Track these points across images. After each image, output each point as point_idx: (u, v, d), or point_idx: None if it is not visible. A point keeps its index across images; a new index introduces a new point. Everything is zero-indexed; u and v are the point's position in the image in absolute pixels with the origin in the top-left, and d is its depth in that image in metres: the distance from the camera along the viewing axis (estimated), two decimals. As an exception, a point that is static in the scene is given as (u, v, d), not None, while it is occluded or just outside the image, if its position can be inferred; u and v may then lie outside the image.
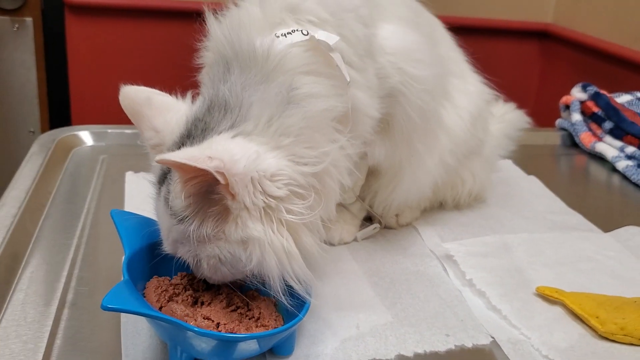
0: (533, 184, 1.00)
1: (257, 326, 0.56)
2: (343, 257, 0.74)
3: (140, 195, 0.84)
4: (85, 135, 1.01)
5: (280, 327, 0.54)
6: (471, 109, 0.79)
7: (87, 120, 1.58)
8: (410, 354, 0.59)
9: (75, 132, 1.00)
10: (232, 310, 0.58)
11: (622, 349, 0.61)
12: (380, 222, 0.79)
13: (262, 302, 0.59)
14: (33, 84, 1.74)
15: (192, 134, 0.55)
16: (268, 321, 0.57)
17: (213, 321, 0.55)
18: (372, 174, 0.75)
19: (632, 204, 0.99)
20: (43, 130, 1.75)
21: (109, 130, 1.02)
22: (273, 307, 0.60)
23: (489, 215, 0.87)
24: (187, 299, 0.59)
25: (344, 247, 0.76)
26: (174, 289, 0.59)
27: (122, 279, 0.55)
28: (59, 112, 1.79)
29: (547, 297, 0.68)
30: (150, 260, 0.61)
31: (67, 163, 0.93)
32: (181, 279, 0.61)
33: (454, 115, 0.77)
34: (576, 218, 0.89)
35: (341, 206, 0.78)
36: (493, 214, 0.88)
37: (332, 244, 0.76)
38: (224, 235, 0.52)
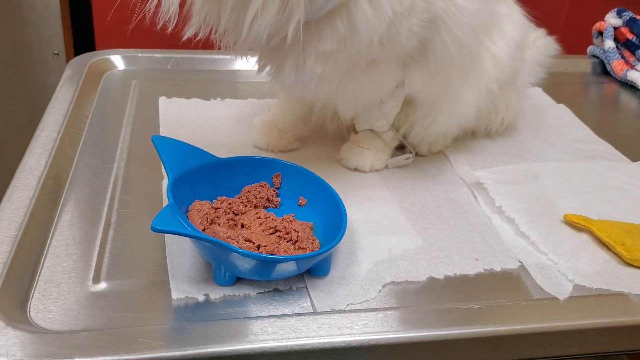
0: (562, 112, 1.00)
1: (295, 249, 0.59)
2: (375, 184, 0.76)
3: (174, 120, 0.86)
4: (117, 60, 1.01)
5: (317, 250, 0.57)
6: (516, 37, 0.79)
7: (110, 43, 1.57)
8: (440, 276, 0.61)
9: (107, 57, 1.01)
10: (271, 234, 0.61)
11: (644, 275, 0.63)
12: (412, 153, 0.80)
13: (299, 226, 0.61)
14: (56, 5, 1.73)
15: None
16: (305, 244, 0.59)
17: (254, 243, 0.58)
18: (409, 104, 0.76)
19: (662, 133, 0.99)
20: (67, 53, 1.75)
21: (140, 55, 1.03)
22: (310, 231, 0.62)
23: (518, 144, 0.88)
24: (228, 222, 0.62)
25: (375, 174, 0.78)
26: (215, 212, 0.62)
27: (167, 202, 0.57)
28: (82, 34, 1.78)
29: (574, 224, 0.69)
30: (192, 185, 0.63)
31: (99, 87, 0.94)
32: (221, 203, 0.64)
33: (501, 43, 0.77)
34: (605, 147, 0.90)
35: (373, 134, 0.79)
36: (522, 142, 0.89)
37: (363, 171, 0.78)
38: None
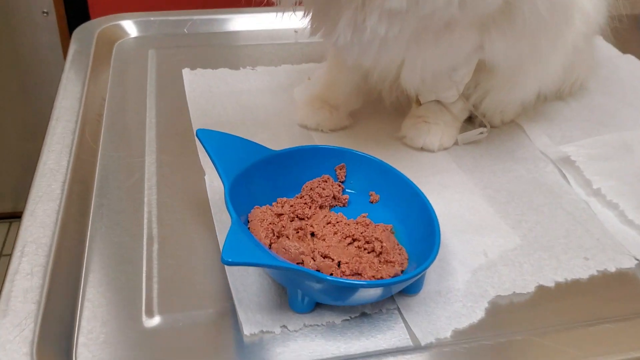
0: (633, 65, 0.89)
1: (380, 262, 0.49)
2: (448, 167, 0.65)
3: (203, 97, 0.75)
4: (128, 25, 0.89)
5: (418, 269, 0.47)
6: None
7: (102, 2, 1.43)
8: (551, 283, 0.52)
9: (116, 22, 0.89)
10: (349, 244, 0.51)
11: None
12: (486, 125, 0.69)
13: (381, 232, 0.52)
14: (43, -40, 1.58)
15: None
16: (392, 256, 0.49)
17: (333, 260, 0.48)
18: (481, 70, 0.65)
19: None
20: (57, 12, 1.61)
21: (152, 19, 0.90)
22: (393, 237, 0.52)
23: (595, 106, 0.77)
24: (296, 232, 0.52)
25: (444, 153, 0.68)
26: (279, 220, 0.52)
27: (230, 218, 0.47)
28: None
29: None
30: (248, 187, 0.53)
31: (112, 61, 0.82)
32: (282, 207, 0.54)
33: None
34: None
35: (440, 106, 0.68)
36: (598, 104, 0.78)
37: (431, 150, 0.67)
38: None
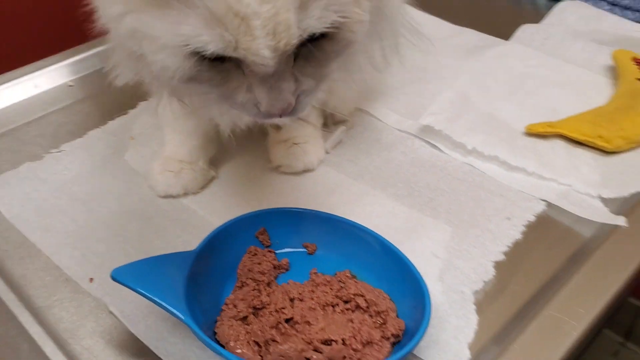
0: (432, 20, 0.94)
1: (378, 324, 0.46)
2: (337, 181, 0.63)
3: (26, 208, 0.61)
4: None
5: (424, 319, 0.45)
6: None
7: None
8: (501, 257, 0.54)
9: None
10: (333, 313, 0.47)
11: (631, 157, 0.65)
12: (349, 120, 0.68)
13: (352, 283, 0.49)
14: None
15: None
16: (383, 307, 0.47)
17: (336, 341, 0.44)
18: None
19: None
20: None
21: None
22: (365, 283, 0.49)
23: (412, 68, 0.79)
24: (276, 329, 0.46)
25: (325, 168, 0.65)
26: (251, 326, 0.46)
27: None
28: None
29: (541, 134, 0.67)
30: (189, 302, 0.45)
31: None
32: (236, 307, 0.47)
33: None
34: (473, 35, 0.88)
35: (299, 121, 0.65)
36: (413, 65, 0.80)
37: (312, 170, 0.64)
38: None
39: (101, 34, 0.56)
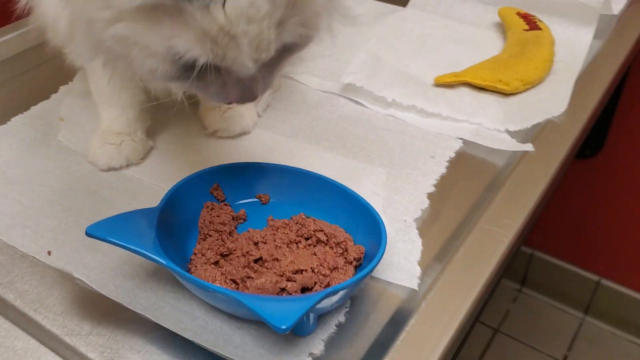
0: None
1: (332, 247, 0.51)
2: (275, 141, 0.67)
3: None
4: None
5: (382, 238, 0.50)
6: None
7: None
8: (431, 189, 0.61)
9: None
10: (297, 249, 0.51)
11: (528, 96, 0.73)
12: (278, 82, 0.72)
13: (306, 221, 0.53)
14: None
15: None
16: (342, 237, 0.51)
17: (306, 270, 0.48)
18: None
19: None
20: None
21: None
22: (320, 220, 0.54)
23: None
24: (247, 260, 0.49)
25: (261, 130, 0.69)
26: (225, 268, 0.49)
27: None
28: None
29: (448, 83, 0.75)
30: (166, 250, 0.48)
31: None
32: (205, 255, 0.50)
33: None
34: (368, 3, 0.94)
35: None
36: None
37: (249, 132, 0.68)
38: None
39: (22, 17, 0.57)
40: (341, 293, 0.45)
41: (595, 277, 1.42)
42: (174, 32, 0.40)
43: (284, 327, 0.39)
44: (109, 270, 0.52)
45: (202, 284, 0.44)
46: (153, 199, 0.59)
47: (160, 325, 0.47)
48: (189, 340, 0.46)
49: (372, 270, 0.47)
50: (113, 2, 0.40)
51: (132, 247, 0.45)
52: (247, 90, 0.45)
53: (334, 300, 0.46)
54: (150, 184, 0.61)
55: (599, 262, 1.40)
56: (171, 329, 0.47)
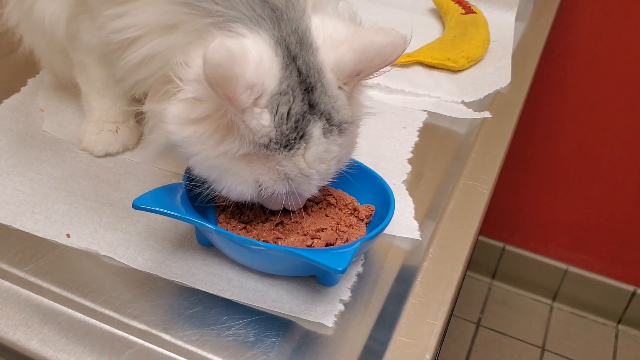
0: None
1: (350, 213, 0.56)
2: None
3: None
4: None
5: (391, 198, 0.56)
6: None
7: None
8: (410, 155, 0.68)
9: None
10: (314, 211, 0.56)
11: (473, 71, 0.83)
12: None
13: (325, 189, 0.58)
14: None
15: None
16: (348, 200, 0.57)
17: (326, 229, 0.54)
18: None
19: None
20: None
21: None
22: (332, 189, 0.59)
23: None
24: (271, 224, 0.54)
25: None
26: (254, 230, 0.53)
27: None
28: None
29: (403, 63, 0.82)
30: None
31: None
32: (229, 224, 0.54)
33: None
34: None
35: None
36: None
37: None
38: None
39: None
40: (366, 243, 0.51)
41: (500, 244, 1.53)
42: (262, 171, 0.47)
43: (340, 268, 0.44)
44: (134, 246, 0.55)
45: (259, 244, 0.48)
46: (160, 178, 0.62)
47: (193, 302, 0.50)
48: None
49: (389, 221, 0.53)
50: (223, 148, 0.46)
51: (181, 215, 0.48)
52: (301, 199, 0.51)
53: (362, 250, 0.52)
54: (150, 166, 0.64)
55: (502, 230, 1.51)
56: (210, 292, 0.51)
